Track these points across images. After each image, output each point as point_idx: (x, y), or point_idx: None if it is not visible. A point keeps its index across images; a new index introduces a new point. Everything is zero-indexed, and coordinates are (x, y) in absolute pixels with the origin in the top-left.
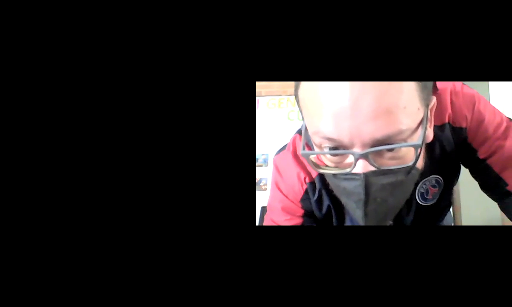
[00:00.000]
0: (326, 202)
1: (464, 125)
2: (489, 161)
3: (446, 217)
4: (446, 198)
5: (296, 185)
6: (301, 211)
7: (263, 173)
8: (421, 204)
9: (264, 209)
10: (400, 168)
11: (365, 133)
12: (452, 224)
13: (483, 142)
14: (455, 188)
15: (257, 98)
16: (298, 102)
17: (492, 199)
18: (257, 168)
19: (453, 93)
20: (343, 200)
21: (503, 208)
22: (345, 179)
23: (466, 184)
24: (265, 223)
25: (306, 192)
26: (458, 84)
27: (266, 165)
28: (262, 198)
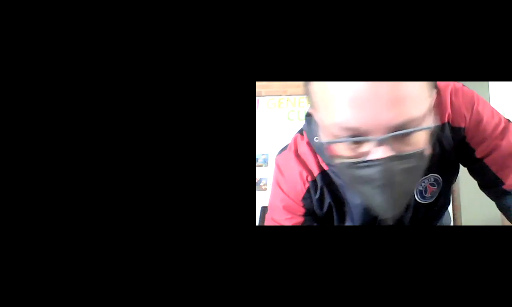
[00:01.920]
0: (327, 200)
1: (463, 125)
2: (486, 160)
3: (444, 216)
4: (444, 197)
5: (298, 184)
6: (302, 210)
7: (263, 173)
8: (419, 202)
9: (264, 209)
10: (415, 152)
11: (384, 120)
12: (451, 224)
13: (481, 142)
14: (455, 187)
15: (257, 98)
16: (310, 96)
17: (489, 198)
18: (257, 168)
19: (453, 93)
20: (359, 188)
21: (500, 207)
22: (363, 166)
23: (466, 184)
24: (266, 223)
25: (308, 190)
26: (458, 85)
27: (266, 165)
28: (262, 198)
